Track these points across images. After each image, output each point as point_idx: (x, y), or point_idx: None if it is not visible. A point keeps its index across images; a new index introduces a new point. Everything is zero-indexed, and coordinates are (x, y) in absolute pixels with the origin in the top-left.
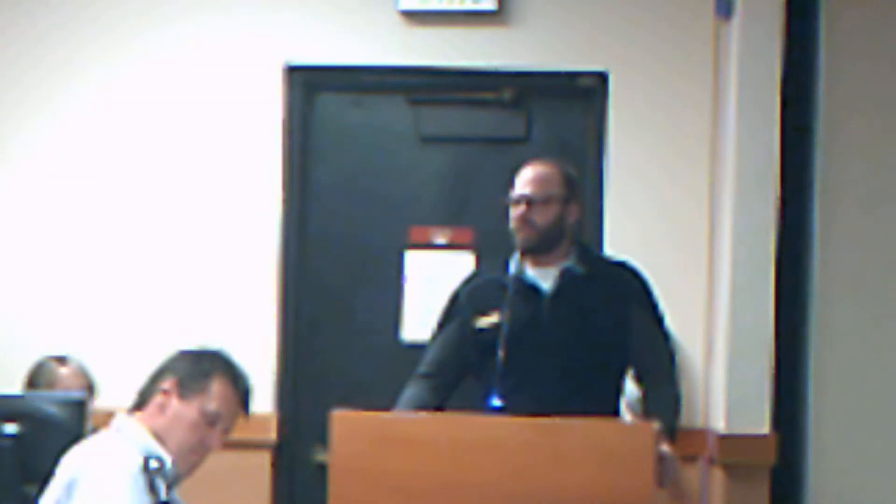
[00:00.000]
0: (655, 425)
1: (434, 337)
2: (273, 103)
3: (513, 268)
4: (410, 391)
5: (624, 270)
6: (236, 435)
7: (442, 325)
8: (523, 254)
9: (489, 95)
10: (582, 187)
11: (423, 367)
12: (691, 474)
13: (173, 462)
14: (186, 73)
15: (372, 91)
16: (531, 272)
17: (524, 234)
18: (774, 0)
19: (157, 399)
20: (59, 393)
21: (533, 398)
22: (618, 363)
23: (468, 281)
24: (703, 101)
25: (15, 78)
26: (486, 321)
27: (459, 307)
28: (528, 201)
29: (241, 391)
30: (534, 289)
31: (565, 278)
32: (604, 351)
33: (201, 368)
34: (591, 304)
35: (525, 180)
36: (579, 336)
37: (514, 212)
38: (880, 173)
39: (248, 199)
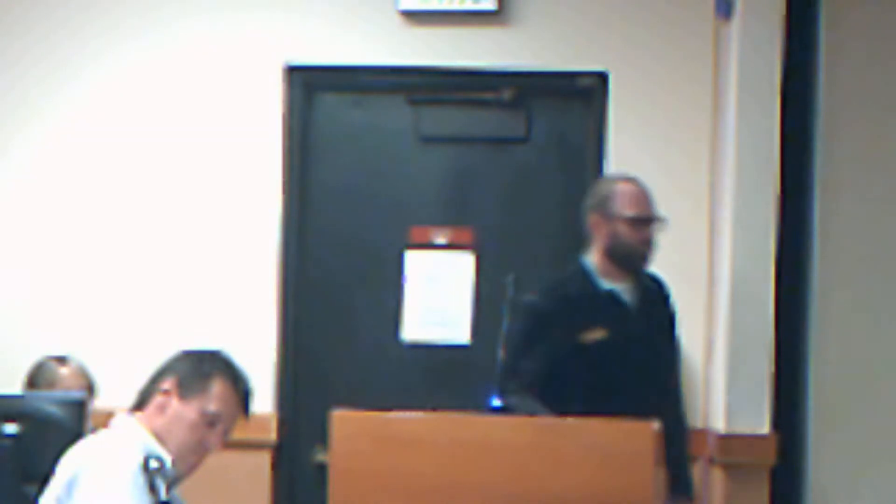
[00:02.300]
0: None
1: (520, 349)
2: (273, 103)
3: (605, 283)
4: (530, 403)
5: (662, 285)
6: (236, 435)
7: (531, 339)
8: (627, 270)
9: (489, 95)
10: None
11: (523, 379)
12: (691, 474)
13: (173, 462)
14: (186, 72)
15: (372, 91)
16: (615, 286)
17: (648, 253)
18: (774, 0)
19: (158, 399)
20: (59, 393)
21: (634, 413)
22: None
23: (548, 294)
24: (703, 101)
25: (15, 78)
26: (591, 336)
27: (552, 320)
28: (652, 222)
29: (241, 392)
30: (623, 303)
31: (642, 293)
32: (667, 364)
33: (201, 369)
34: (657, 318)
35: (644, 200)
36: (656, 350)
37: (638, 232)
38: (880, 173)
39: (248, 199)
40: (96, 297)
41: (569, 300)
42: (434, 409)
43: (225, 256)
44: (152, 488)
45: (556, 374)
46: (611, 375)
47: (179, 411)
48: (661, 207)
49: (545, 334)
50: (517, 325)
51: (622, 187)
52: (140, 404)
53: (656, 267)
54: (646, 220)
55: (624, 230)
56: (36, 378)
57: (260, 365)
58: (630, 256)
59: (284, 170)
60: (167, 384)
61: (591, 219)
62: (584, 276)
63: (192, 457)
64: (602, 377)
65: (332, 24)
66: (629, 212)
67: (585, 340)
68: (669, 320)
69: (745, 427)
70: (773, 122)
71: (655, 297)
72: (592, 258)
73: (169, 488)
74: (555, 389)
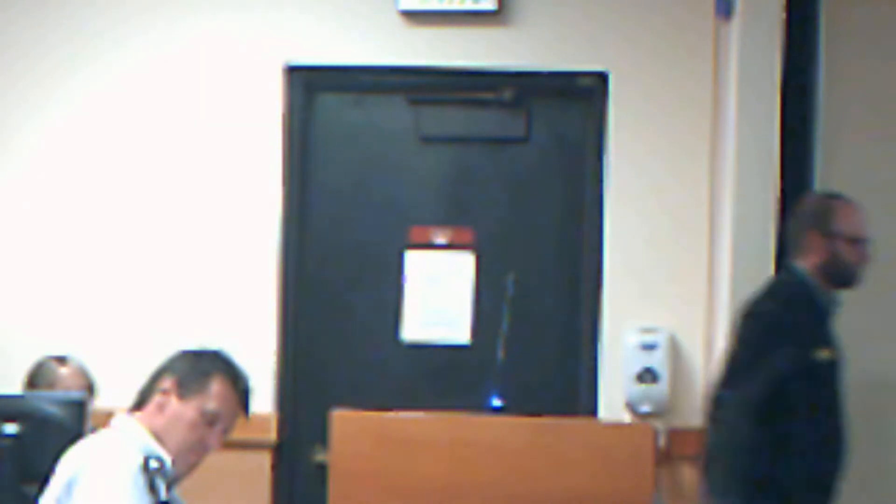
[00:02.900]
0: None
1: (753, 357)
2: (273, 103)
3: (828, 303)
4: (742, 425)
5: None
6: (236, 435)
7: (766, 347)
8: (838, 288)
9: (489, 95)
10: None
11: (750, 390)
12: (691, 474)
13: (173, 462)
14: (186, 72)
15: (372, 91)
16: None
17: (863, 273)
18: (774, 0)
19: (157, 399)
20: (59, 393)
21: (843, 432)
22: None
23: (786, 304)
24: (703, 100)
25: (15, 78)
26: (823, 355)
27: (789, 332)
28: (868, 241)
29: (240, 391)
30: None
31: None
32: None
33: (201, 368)
34: None
35: (863, 220)
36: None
37: (858, 251)
38: (880, 173)
39: (248, 199)
40: (96, 297)
41: (803, 314)
42: (434, 409)
43: (225, 256)
44: (152, 488)
45: (783, 388)
46: (833, 395)
47: (179, 411)
48: (661, 207)
49: (779, 345)
50: (754, 332)
51: (842, 205)
52: (139, 404)
53: (657, 265)
54: (865, 240)
55: (845, 249)
56: (36, 378)
57: (260, 365)
58: (847, 275)
59: (284, 170)
60: (166, 384)
61: (810, 236)
62: (809, 290)
63: (191, 456)
64: (827, 397)
65: (332, 24)
66: (852, 232)
67: (817, 358)
68: None
69: None
70: (773, 121)
71: None
72: (805, 272)
73: (169, 488)
74: (777, 404)
